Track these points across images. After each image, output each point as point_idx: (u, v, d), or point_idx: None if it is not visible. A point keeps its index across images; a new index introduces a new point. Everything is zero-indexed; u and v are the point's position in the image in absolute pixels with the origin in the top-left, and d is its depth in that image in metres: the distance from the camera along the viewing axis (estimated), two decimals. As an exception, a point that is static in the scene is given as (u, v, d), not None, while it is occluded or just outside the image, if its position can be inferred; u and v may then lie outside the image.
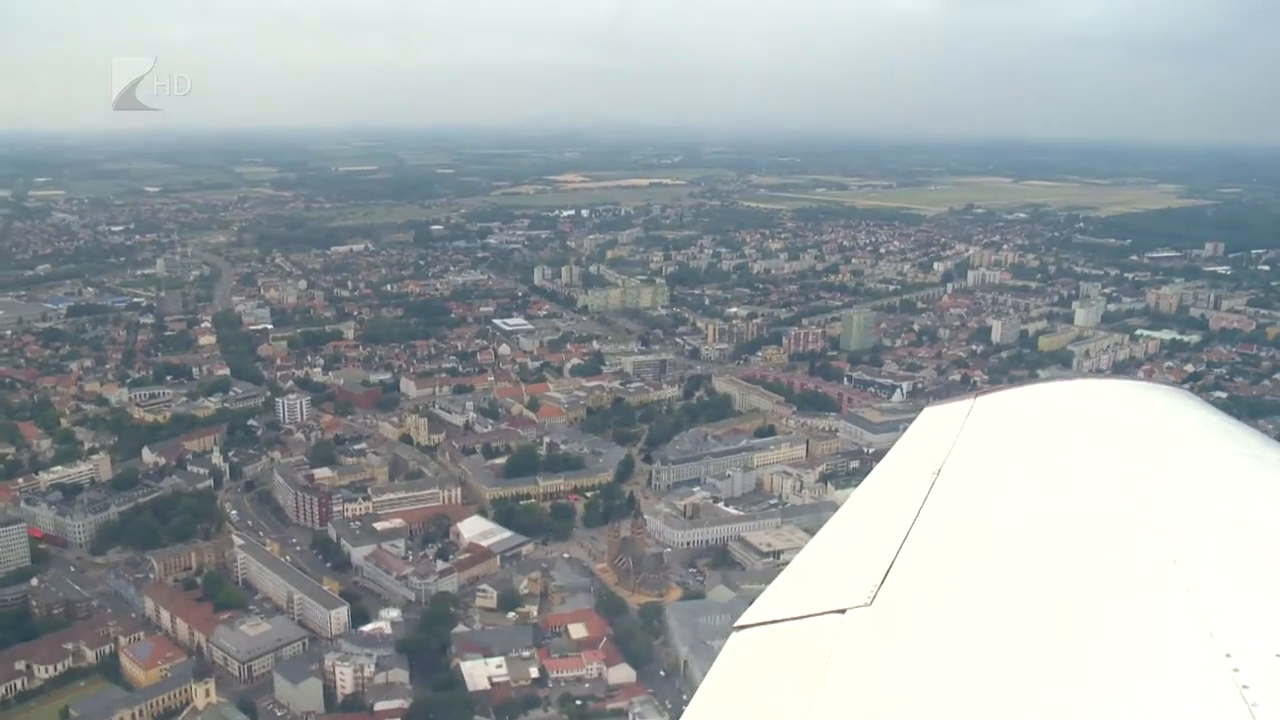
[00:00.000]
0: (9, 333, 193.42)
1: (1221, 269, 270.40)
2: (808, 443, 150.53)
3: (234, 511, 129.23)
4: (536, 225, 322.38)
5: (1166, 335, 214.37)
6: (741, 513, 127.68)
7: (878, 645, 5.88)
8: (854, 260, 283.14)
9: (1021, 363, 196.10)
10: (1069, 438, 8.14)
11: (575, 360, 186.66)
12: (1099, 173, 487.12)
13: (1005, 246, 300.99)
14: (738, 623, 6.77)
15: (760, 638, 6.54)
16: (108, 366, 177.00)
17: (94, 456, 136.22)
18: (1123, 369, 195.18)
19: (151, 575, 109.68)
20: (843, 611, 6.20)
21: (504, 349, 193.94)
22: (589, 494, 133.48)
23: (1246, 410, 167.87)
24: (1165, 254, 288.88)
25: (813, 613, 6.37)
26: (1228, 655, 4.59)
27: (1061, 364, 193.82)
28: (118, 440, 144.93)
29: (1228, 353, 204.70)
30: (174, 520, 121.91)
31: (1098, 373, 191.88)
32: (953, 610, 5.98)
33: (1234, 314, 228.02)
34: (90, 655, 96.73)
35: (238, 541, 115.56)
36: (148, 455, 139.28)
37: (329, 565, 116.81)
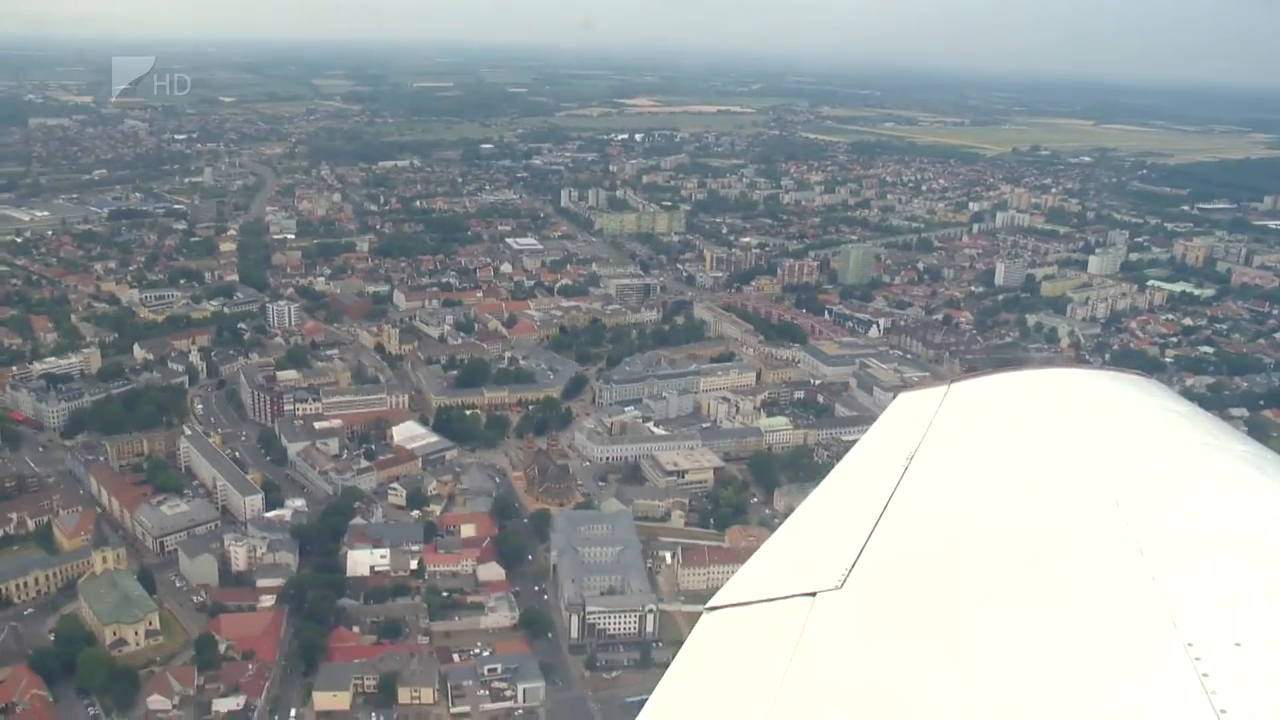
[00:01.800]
0: (50, 233, 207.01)
1: (1274, 224, 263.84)
2: (759, 371, 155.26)
3: (199, 406, 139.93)
4: (586, 148, 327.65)
5: (1177, 287, 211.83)
6: (665, 433, 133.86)
7: (848, 628, 6.02)
8: (889, 196, 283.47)
9: (1015, 306, 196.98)
10: (1039, 426, 8.37)
11: (566, 281, 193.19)
12: (1192, 119, 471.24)
13: (1053, 190, 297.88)
14: (709, 603, 7.04)
15: (731, 619, 6.76)
16: (130, 269, 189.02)
17: (85, 350, 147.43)
18: (1118, 319, 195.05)
19: (103, 458, 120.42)
20: (813, 594, 6.33)
21: (506, 267, 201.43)
22: (531, 407, 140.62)
23: (1228, 366, 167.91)
24: (1219, 205, 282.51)
25: (784, 595, 6.51)
26: (1189, 644, 4.72)
27: (1056, 311, 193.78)
28: (117, 336, 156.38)
29: (1237, 308, 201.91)
30: (141, 410, 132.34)
31: (1089, 321, 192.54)
32: (922, 595, 6.13)
33: (1263, 270, 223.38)
34: (30, 524, 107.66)
35: (186, 432, 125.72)
36: (138, 351, 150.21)
37: (269, 458, 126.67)
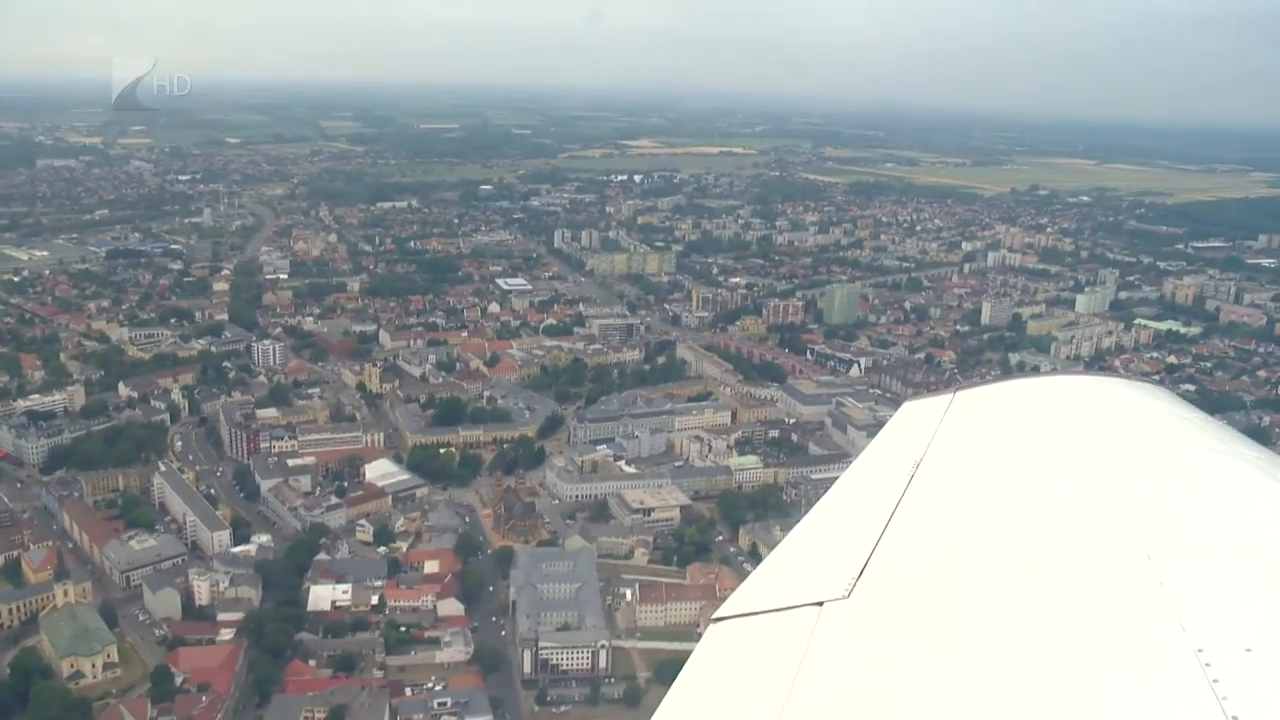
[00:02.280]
0: (47, 272, 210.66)
1: (1268, 262, 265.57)
2: (734, 411, 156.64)
3: (179, 443, 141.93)
4: (585, 189, 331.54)
5: (1164, 325, 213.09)
6: (635, 471, 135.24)
7: (855, 638, 6.01)
8: (883, 236, 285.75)
9: (1000, 345, 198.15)
10: (1046, 433, 8.34)
11: (551, 321, 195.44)
12: (1194, 158, 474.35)
13: (1049, 229, 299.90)
14: (716, 614, 6.98)
15: (737, 629, 6.73)
16: (123, 307, 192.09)
17: (70, 387, 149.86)
18: (1102, 357, 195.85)
19: (78, 494, 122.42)
20: (820, 604, 6.33)
21: (494, 307, 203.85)
22: (506, 445, 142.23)
23: (1208, 404, 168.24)
24: (1213, 244, 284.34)
25: (790, 605, 6.50)
26: (1200, 650, 4.77)
27: (1040, 350, 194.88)
28: (103, 374, 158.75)
29: (1223, 346, 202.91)
30: (120, 447, 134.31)
31: (1073, 360, 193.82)
32: (929, 604, 6.11)
33: (1252, 309, 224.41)
34: (0, 559, 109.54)
35: (160, 469, 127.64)
36: (123, 389, 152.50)
37: (242, 495, 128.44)
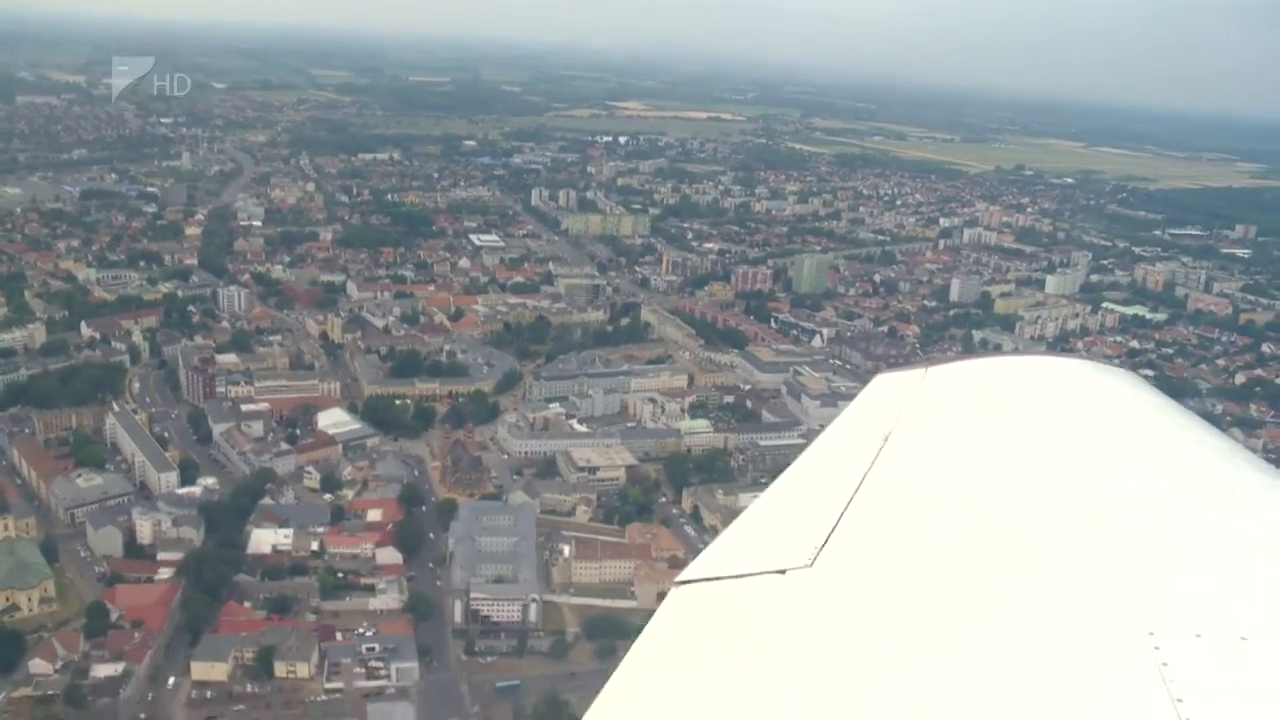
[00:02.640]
0: (18, 210, 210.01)
1: (1241, 252, 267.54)
2: (692, 375, 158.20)
3: (137, 385, 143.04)
4: (569, 149, 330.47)
5: (1131, 310, 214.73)
6: (586, 430, 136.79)
7: (816, 607, 6.09)
8: (862, 209, 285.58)
9: (965, 322, 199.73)
10: (1016, 412, 8.42)
11: (519, 278, 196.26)
12: (1183, 145, 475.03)
13: (1030, 210, 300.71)
14: (678, 578, 7.01)
15: (699, 594, 6.76)
16: (93, 248, 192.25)
17: (31, 325, 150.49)
18: (1066, 339, 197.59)
19: (29, 431, 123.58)
20: (783, 572, 6.38)
21: (464, 262, 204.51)
22: (461, 399, 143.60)
23: (1166, 389, 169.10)
24: (1190, 232, 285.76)
25: (753, 571, 6.56)
26: (1151, 633, 4.86)
27: (1004, 328, 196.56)
28: (67, 314, 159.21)
29: (1187, 333, 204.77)
30: (77, 387, 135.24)
31: (1037, 340, 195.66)
32: (891, 577, 6.19)
33: (1219, 298, 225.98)
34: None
35: (114, 409, 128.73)
36: (85, 329, 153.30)
37: (195, 438, 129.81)
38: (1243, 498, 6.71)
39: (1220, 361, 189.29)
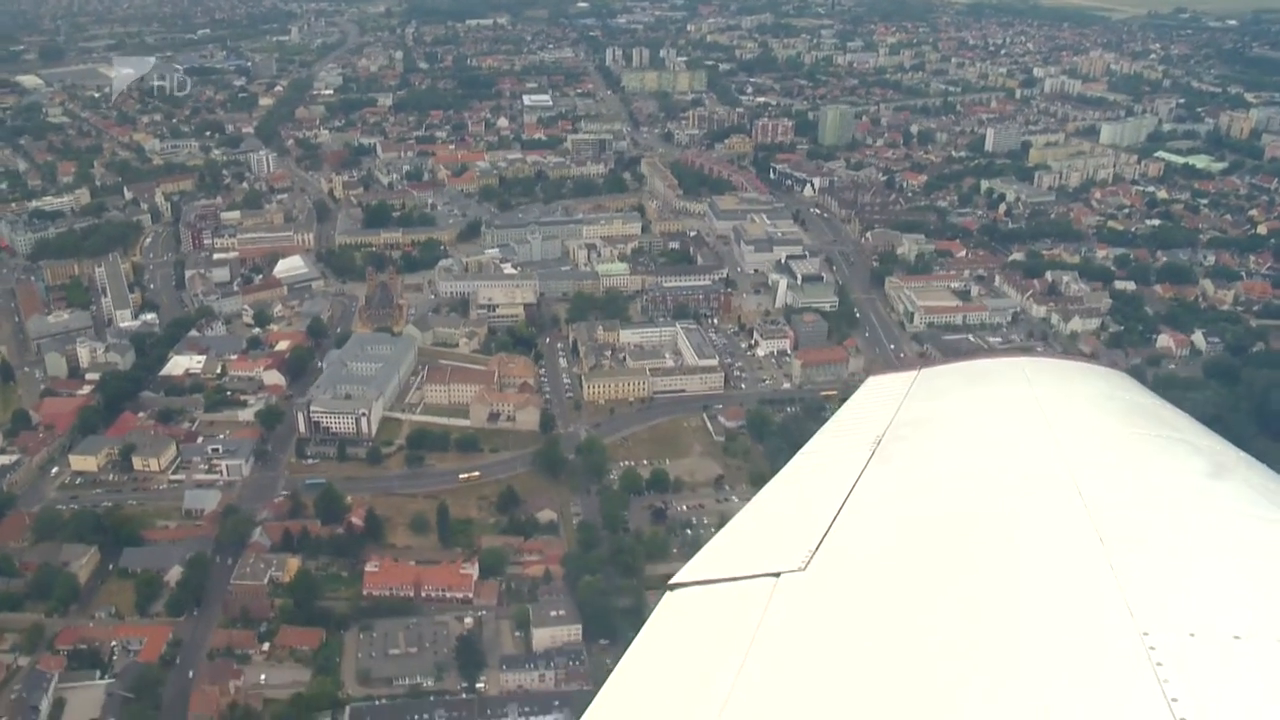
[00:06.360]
0: (126, 88, 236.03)
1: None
2: (648, 223, 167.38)
3: (149, 239, 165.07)
4: (680, 6, 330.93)
5: (1185, 160, 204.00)
6: (513, 272, 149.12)
7: (810, 610, 6.16)
8: (954, 60, 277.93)
9: (983, 172, 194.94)
10: (1005, 415, 8.58)
11: (540, 135, 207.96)
12: None
13: (1152, 56, 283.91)
14: (671, 581, 7.16)
15: (693, 597, 6.90)
16: (173, 121, 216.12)
17: (77, 190, 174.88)
18: (1086, 188, 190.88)
19: (34, 278, 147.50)
20: (777, 575, 6.47)
21: (502, 122, 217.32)
22: (418, 246, 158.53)
23: (1145, 242, 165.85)
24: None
25: (747, 575, 6.66)
26: (1145, 633, 4.89)
27: (1022, 178, 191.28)
28: (121, 179, 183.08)
29: (1238, 183, 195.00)
30: (94, 242, 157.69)
31: (1050, 189, 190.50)
32: (884, 580, 6.30)
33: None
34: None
35: (107, 259, 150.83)
36: (127, 193, 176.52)
37: (173, 283, 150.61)
38: (1234, 497, 6.96)
39: (1254, 213, 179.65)
